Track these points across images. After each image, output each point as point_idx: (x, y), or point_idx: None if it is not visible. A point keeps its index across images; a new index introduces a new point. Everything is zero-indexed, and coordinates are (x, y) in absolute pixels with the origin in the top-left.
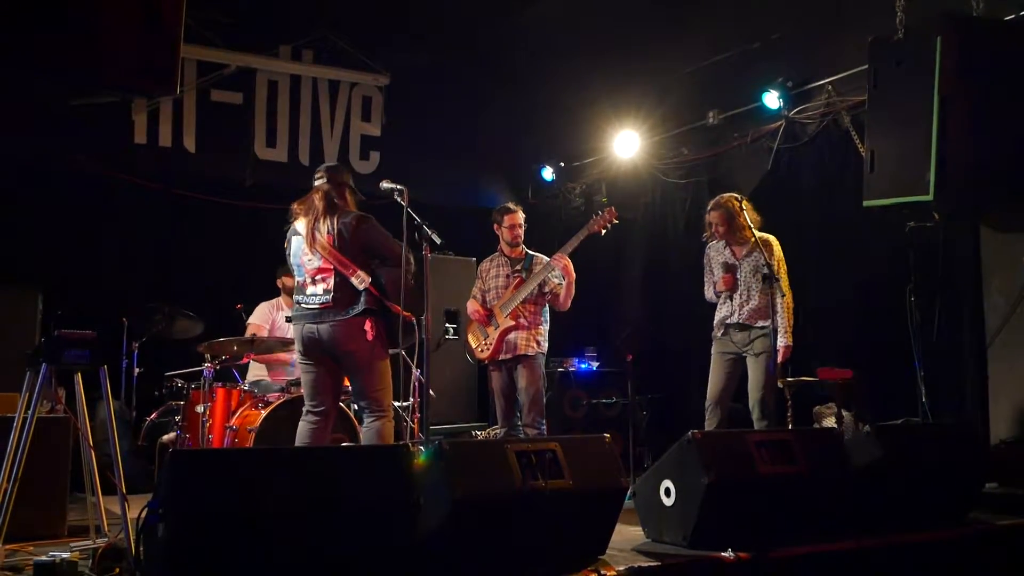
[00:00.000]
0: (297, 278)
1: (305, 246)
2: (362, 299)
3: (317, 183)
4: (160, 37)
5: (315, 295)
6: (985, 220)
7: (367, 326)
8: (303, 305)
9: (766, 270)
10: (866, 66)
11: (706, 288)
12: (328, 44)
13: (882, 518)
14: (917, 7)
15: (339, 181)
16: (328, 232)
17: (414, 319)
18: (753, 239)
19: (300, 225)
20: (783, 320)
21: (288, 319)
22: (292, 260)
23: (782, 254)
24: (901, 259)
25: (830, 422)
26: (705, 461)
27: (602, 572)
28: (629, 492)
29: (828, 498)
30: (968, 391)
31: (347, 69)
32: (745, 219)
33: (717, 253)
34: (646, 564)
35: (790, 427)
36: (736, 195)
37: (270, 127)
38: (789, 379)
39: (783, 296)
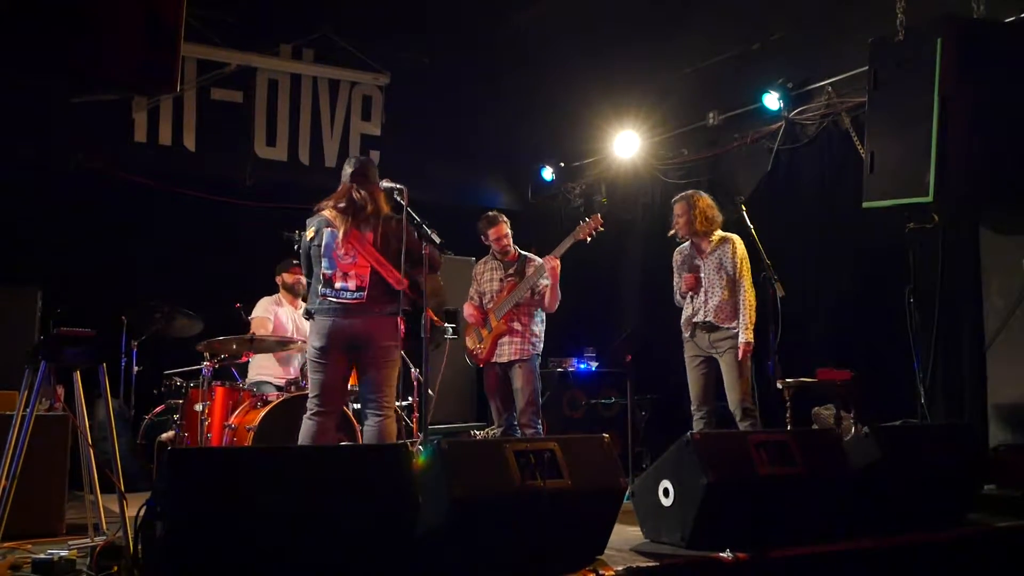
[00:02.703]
0: (324, 270)
1: (341, 240)
2: (399, 299)
3: (356, 185)
4: (160, 35)
5: (346, 290)
6: (984, 222)
7: (401, 325)
8: (331, 299)
9: (730, 271)
10: (866, 67)
11: (674, 292)
12: (328, 43)
13: (880, 519)
14: (917, 9)
15: (375, 179)
16: (371, 231)
17: (445, 324)
18: (717, 236)
19: (332, 217)
20: (744, 318)
21: (308, 313)
22: (321, 251)
23: (745, 254)
24: (900, 260)
25: (829, 423)
26: (704, 462)
27: (600, 572)
28: (628, 492)
29: (827, 499)
30: (967, 393)
31: (347, 68)
32: (708, 218)
33: (683, 256)
34: (644, 564)
35: (789, 428)
36: (702, 192)
37: (270, 126)
38: (788, 380)
39: (745, 295)
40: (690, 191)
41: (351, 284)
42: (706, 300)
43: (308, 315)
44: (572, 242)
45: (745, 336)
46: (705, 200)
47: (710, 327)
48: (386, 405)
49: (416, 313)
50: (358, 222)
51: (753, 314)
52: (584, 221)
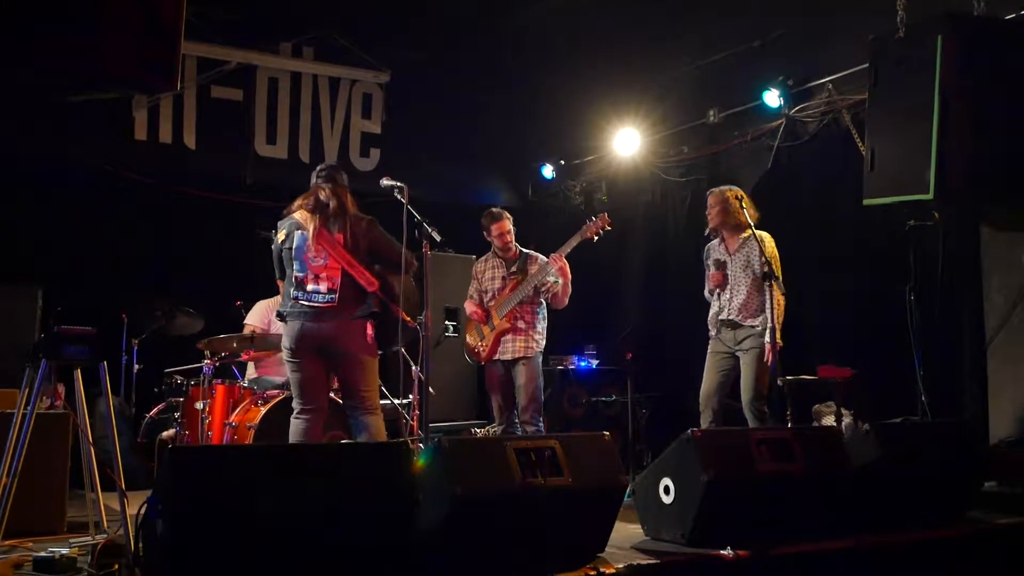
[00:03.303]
0: (296, 273)
1: (312, 242)
2: (368, 302)
3: (322, 183)
4: (161, 33)
5: (318, 293)
6: (985, 219)
7: (369, 328)
8: (303, 302)
9: (765, 267)
10: (867, 65)
11: (705, 286)
12: (329, 41)
13: (881, 517)
14: (918, 6)
15: (343, 183)
16: (340, 232)
17: (417, 324)
18: (746, 234)
19: (303, 219)
20: (772, 318)
21: (280, 316)
22: (293, 254)
23: (776, 252)
24: (901, 258)
25: (830, 420)
26: (704, 459)
27: (601, 570)
28: (628, 490)
29: (827, 496)
30: (967, 390)
31: (348, 66)
32: (742, 213)
33: (713, 250)
34: (645, 562)
35: (789, 425)
36: (738, 189)
37: (270, 124)
38: (788, 377)
39: (773, 295)
40: (725, 187)
41: (323, 287)
42: (731, 298)
43: (280, 317)
44: (579, 240)
45: (774, 339)
46: (742, 196)
47: (734, 325)
48: (369, 405)
49: (386, 316)
50: (326, 221)
51: (781, 314)
52: (591, 220)
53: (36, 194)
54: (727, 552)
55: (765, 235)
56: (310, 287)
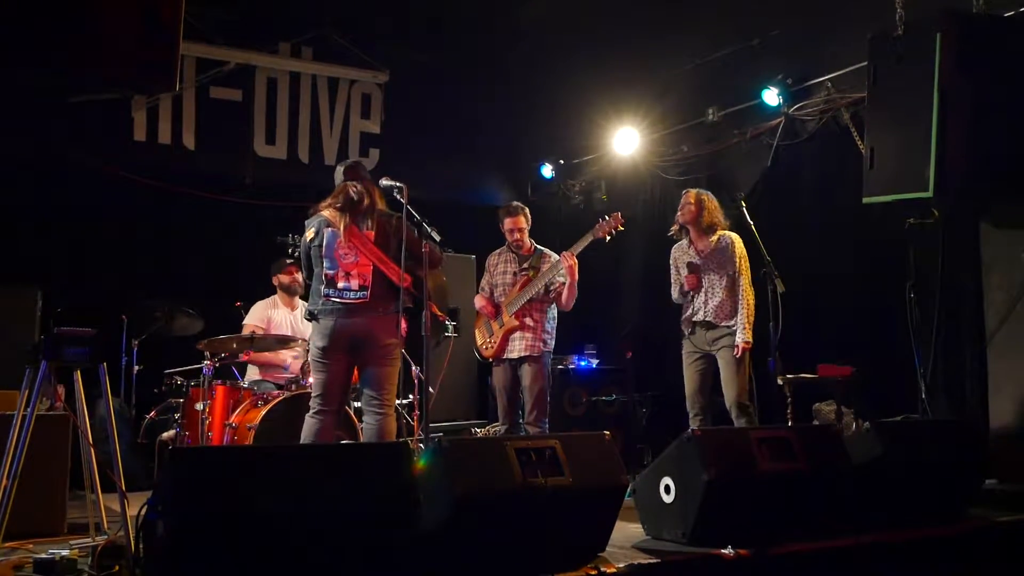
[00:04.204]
0: (327, 270)
1: (343, 239)
2: (400, 297)
3: (350, 180)
4: (159, 34)
5: (349, 290)
6: (985, 216)
7: (403, 323)
8: (335, 299)
9: (730, 270)
10: (866, 63)
11: (672, 289)
12: (328, 41)
13: (882, 515)
14: (917, 3)
15: (369, 178)
16: (371, 229)
17: (447, 319)
18: (716, 237)
19: (332, 217)
20: (743, 317)
21: (311, 315)
22: (322, 252)
23: (744, 252)
24: (901, 256)
25: (830, 419)
26: (705, 458)
27: (602, 569)
28: (629, 489)
29: (828, 495)
30: (968, 387)
31: (347, 66)
32: (716, 214)
33: (682, 253)
34: (646, 561)
35: (790, 424)
36: (708, 193)
37: (269, 124)
38: (789, 375)
39: (744, 294)
40: (700, 190)
41: (354, 284)
42: (706, 300)
43: (311, 316)
44: (590, 240)
45: (744, 335)
46: (714, 202)
47: (709, 325)
48: (387, 403)
49: (418, 310)
50: (356, 218)
51: (752, 313)
52: (603, 219)
53: (36, 195)
54: (728, 551)
55: (734, 236)
56: (341, 284)
